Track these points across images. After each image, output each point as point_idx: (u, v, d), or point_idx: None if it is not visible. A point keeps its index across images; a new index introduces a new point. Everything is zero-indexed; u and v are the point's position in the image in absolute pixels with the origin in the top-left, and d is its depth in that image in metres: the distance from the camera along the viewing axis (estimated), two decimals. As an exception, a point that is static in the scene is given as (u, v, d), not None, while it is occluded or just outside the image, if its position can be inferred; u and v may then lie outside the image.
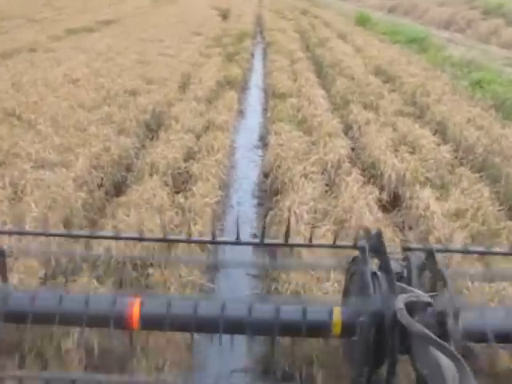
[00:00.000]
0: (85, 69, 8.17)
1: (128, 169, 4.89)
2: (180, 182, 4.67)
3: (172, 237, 2.14)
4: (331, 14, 22.98)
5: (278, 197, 4.40)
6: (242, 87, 8.64)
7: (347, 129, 6.39)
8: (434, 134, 6.34)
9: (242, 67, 9.63)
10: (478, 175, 5.08)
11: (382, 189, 4.85)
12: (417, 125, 6.51)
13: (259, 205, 4.81)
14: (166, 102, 6.76)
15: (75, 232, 2.23)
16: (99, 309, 1.50)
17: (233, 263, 3.21)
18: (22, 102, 6.04)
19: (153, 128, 5.99)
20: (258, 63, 11.24)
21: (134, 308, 1.47)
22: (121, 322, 1.48)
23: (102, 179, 4.43)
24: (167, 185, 4.43)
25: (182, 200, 4.03)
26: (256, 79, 9.56)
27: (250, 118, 7.06)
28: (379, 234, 1.56)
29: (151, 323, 1.51)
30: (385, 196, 4.69)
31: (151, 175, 4.42)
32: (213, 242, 1.90)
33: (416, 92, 8.40)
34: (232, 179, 5.26)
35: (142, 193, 3.95)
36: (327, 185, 4.70)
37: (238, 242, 1.80)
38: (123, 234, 2.06)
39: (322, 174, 4.82)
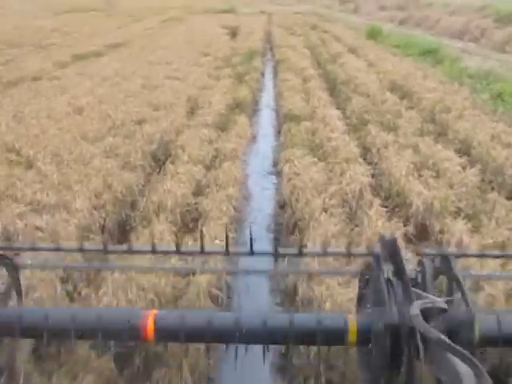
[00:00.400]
0: (90, 96, 7.91)
1: (133, 207, 4.55)
2: (189, 220, 4.33)
3: (185, 249, 2.18)
4: (341, 28, 22.71)
5: (296, 234, 4.04)
6: (253, 110, 8.32)
7: (365, 152, 6.01)
8: (458, 155, 5.95)
9: (252, 88, 9.33)
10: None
11: (407, 220, 4.46)
12: (439, 145, 6.11)
13: (276, 240, 4.42)
14: (173, 129, 6.44)
15: (89, 247, 2.27)
16: (115, 322, 1.54)
17: (248, 271, 3.17)
18: (23, 136, 5.76)
19: (160, 159, 5.67)
20: (268, 83, 10.93)
21: (149, 320, 1.49)
22: (136, 334, 1.50)
23: (105, 220, 4.09)
24: (175, 224, 4.09)
25: (190, 243, 3.67)
26: (267, 100, 9.23)
27: (262, 144, 6.70)
28: (394, 241, 1.53)
29: (166, 335, 1.52)
30: (411, 228, 4.29)
31: (158, 215, 4.08)
32: (227, 254, 1.91)
33: (435, 108, 8.02)
34: (245, 212, 4.90)
35: (147, 237, 3.59)
36: (348, 218, 4.32)
37: (251, 253, 1.83)
38: (136, 248, 2.14)
39: (343, 206, 4.44)
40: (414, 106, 8.39)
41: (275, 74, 11.62)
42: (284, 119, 7.33)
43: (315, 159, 5.37)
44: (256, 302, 3.28)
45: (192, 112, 7.52)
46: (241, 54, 13.60)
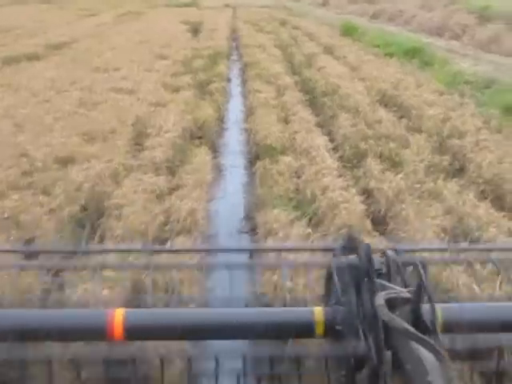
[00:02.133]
0: (5, 120, 6.11)
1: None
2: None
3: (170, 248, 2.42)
4: (312, 23, 21.14)
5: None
6: (217, 137, 6.60)
7: (373, 208, 4.41)
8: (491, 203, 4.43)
9: (217, 103, 7.64)
10: None
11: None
12: (470, 193, 4.57)
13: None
14: (109, 174, 4.73)
15: (81, 248, 2.29)
16: (81, 322, 1.47)
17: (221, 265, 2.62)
18: None
19: (85, 225, 3.96)
20: (236, 95, 9.20)
21: (116, 318, 1.43)
22: (103, 334, 1.42)
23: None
24: None
25: None
26: (235, 122, 7.50)
27: (231, 197, 4.94)
28: (350, 234, 1.60)
29: (136, 333, 1.45)
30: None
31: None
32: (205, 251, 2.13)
33: (442, 131, 6.51)
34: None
35: None
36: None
37: (228, 249, 1.91)
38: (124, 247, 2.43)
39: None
40: (417, 126, 6.85)
41: (244, 81, 9.94)
42: (258, 152, 5.68)
43: (308, 229, 3.74)
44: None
45: (138, 143, 5.80)
46: (204, 55, 11.87)
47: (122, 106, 6.91)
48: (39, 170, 4.75)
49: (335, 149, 5.89)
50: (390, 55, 12.76)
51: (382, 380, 1.31)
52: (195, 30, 17.53)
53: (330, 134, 6.52)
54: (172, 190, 4.50)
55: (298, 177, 4.90)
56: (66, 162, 4.95)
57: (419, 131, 6.65)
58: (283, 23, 21.14)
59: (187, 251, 2.24)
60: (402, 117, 7.27)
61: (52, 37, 14.14)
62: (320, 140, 5.95)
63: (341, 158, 5.57)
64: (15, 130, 5.78)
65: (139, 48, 12.38)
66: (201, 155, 5.30)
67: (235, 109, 8.09)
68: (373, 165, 5.23)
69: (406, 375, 1.25)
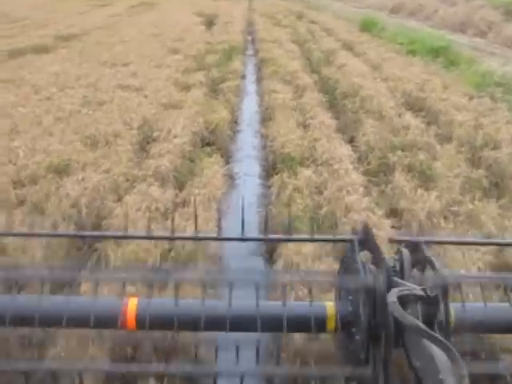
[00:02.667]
0: (1, 122, 5.65)
1: None
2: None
3: (179, 235, 2.17)
4: (329, 17, 20.50)
5: None
6: (230, 143, 6.09)
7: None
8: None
9: (231, 104, 7.13)
10: None
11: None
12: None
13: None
14: (109, 187, 4.25)
15: (85, 232, 2.32)
16: (95, 310, 1.48)
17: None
18: None
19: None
20: (251, 95, 8.67)
21: (130, 307, 1.46)
22: (116, 322, 1.46)
23: None
24: None
25: None
26: (250, 126, 6.97)
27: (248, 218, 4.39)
28: (366, 227, 1.57)
29: (149, 323, 1.47)
30: None
31: None
32: (218, 239, 1.95)
33: (475, 139, 5.96)
34: None
35: None
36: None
37: (242, 239, 1.81)
38: (130, 234, 2.15)
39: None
40: (447, 134, 6.30)
41: (259, 79, 9.40)
42: (274, 161, 5.17)
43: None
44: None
45: (143, 149, 5.32)
46: (218, 50, 11.35)
47: (128, 106, 6.43)
48: (29, 179, 4.28)
49: (359, 160, 5.36)
50: (413, 53, 12.15)
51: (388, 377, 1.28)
52: (209, 23, 16.99)
53: (352, 141, 6.00)
54: (176, 204, 4.01)
55: (319, 192, 4.38)
56: (62, 170, 4.48)
57: (449, 140, 6.10)
58: (300, 17, 20.53)
59: (200, 239, 2.18)
60: (430, 123, 6.71)
61: (62, 28, 13.70)
62: (343, 149, 5.42)
63: (367, 173, 5.04)
64: (9, 130, 5.32)
65: (151, 41, 11.89)
66: (212, 166, 4.79)
67: (250, 111, 7.56)
68: (402, 180, 4.71)
69: (416, 373, 1.22)
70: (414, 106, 7.73)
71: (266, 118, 6.76)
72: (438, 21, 20.37)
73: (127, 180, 4.44)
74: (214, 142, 5.74)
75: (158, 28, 14.21)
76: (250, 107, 7.73)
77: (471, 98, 8.02)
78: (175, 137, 5.45)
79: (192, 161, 4.96)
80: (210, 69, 9.42)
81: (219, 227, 1.86)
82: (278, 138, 5.61)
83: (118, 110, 6.24)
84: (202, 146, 5.63)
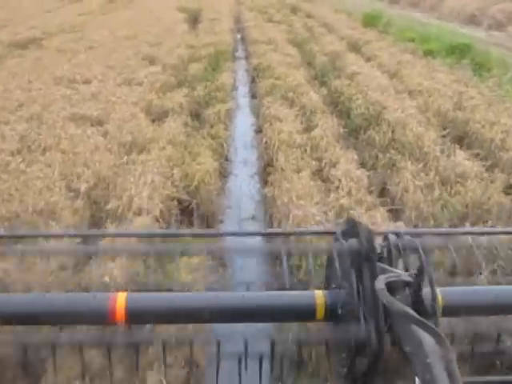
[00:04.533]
0: None
1: None
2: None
3: (179, 231, 2.36)
4: (326, 10, 18.66)
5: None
6: (219, 215, 4.25)
7: None
8: None
9: (219, 142, 5.31)
10: None
11: None
12: None
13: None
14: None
15: (84, 232, 2.47)
16: (83, 305, 1.47)
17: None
18: None
19: None
20: (245, 124, 6.78)
21: (119, 301, 1.44)
22: (104, 317, 1.44)
23: None
24: None
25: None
26: (246, 182, 5.05)
27: None
28: (351, 219, 1.56)
29: (138, 316, 1.47)
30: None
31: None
32: (217, 235, 2.19)
33: None
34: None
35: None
36: None
37: (229, 233, 2.02)
38: (132, 232, 2.31)
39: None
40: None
41: (255, 98, 7.58)
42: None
43: None
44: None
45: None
46: (202, 56, 9.52)
47: (77, 155, 4.61)
48: None
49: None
50: (431, 53, 10.37)
51: (382, 363, 1.33)
52: (194, 20, 15.12)
53: (393, 203, 4.23)
54: None
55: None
56: None
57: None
58: (294, 10, 18.67)
59: (193, 235, 2.11)
60: (491, 166, 4.95)
61: (21, 31, 11.76)
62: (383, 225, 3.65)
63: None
64: None
65: (123, 46, 10.01)
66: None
67: (245, 153, 5.70)
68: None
69: (406, 358, 1.27)
70: (457, 132, 6.00)
71: (267, 166, 4.93)
72: (446, 12, 18.57)
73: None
74: (196, 214, 3.93)
75: (134, 28, 12.31)
76: (244, 147, 5.87)
77: (527, 120, 6.28)
78: (139, 212, 3.65)
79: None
80: (193, 84, 7.61)
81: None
82: (287, 206, 3.81)
83: (63, 162, 4.42)
84: (179, 222, 3.83)
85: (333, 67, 9.15)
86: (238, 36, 14.20)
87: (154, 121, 5.87)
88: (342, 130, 5.84)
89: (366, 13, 15.64)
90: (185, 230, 2.83)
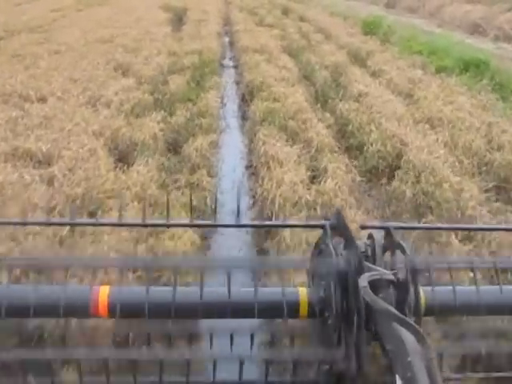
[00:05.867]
0: None
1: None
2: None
3: (174, 221, 2.19)
4: (320, 13, 17.46)
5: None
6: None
7: None
8: None
9: (200, 200, 4.03)
10: None
11: None
12: None
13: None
14: None
15: (78, 220, 2.18)
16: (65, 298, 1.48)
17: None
18: None
19: None
20: (235, 162, 5.45)
21: (101, 295, 1.48)
22: (87, 310, 1.48)
23: None
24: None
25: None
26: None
27: None
28: (339, 212, 1.61)
29: (121, 310, 1.49)
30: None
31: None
32: (212, 225, 2.17)
33: None
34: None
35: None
36: None
37: (228, 225, 2.21)
38: (126, 221, 2.17)
39: None
40: None
41: (245, 122, 6.32)
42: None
43: None
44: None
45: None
46: (186, 66, 8.26)
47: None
48: None
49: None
50: (444, 70, 9.20)
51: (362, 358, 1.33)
52: (178, 20, 13.82)
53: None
54: None
55: None
56: None
57: None
58: (286, 11, 17.43)
59: (184, 226, 2.28)
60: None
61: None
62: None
63: None
64: None
65: (95, 51, 8.68)
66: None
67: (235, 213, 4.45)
68: None
69: (387, 356, 1.26)
70: (498, 181, 4.83)
71: (268, 234, 3.67)
72: (447, 19, 17.44)
73: None
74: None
75: (110, 29, 10.97)
76: (233, 200, 4.60)
77: None
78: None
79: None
80: (173, 103, 6.34)
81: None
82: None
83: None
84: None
85: (336, 84, 7.94)
86: (227, 39, 12.95)
87: (119, 160, 4.59)
88: (357, 177, 4.61)
89: (365, 19, 14.43)
90: (176, 220, 2.65)
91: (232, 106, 7.23)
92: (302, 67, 9.10)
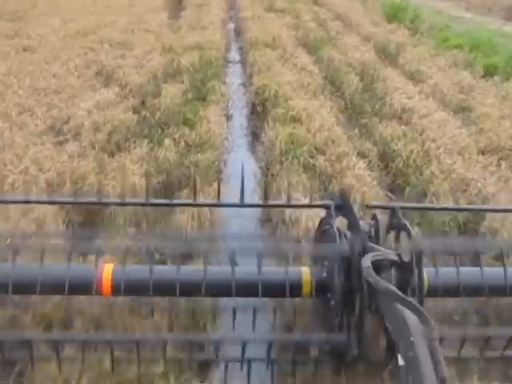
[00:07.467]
0: None
1: None
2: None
3: (177, 201, 2.33)
4: (337, -5, 15.68)
5: None
6: None
7: None
8: None
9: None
10: None
11: None
12: None
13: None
14: None
15: (81, 199, 2.22)
16: (71, 276, 1.52)
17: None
18: None
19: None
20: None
21: (105, 273, 1.49)
22: (92, 288, 1.52)
23: None
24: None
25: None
26: None
27: None
28: (343, 193, 1.67)
29: (124, 288, 1.51)
30: None
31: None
32: (217, 205, 2.12)
33: None
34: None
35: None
36: None
37: (234, 205, 2.02)
38: (129, 200, 2.12)
39: None
40: None
41: (256, 160, 4.79)
42: None
43: None
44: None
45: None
46: (184, 68, 6.74)
47: None
48: None
49: None
50: (495, 71, 7.62)
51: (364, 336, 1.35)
52: (177, 5, 12.19)
53: None
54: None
55: None
56: None
57: None
58: (298, -7, 15.68)
59: (186, 205, 2.28)
60: None
61: None
62: None
63: None
64: None
65: (72, 47, 7.13)
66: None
67: None
68: None
69: (390, 336, 1.25)
70: None
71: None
72: (475, 2, 15.69)
73: None
74: None
75: (96, 15, 9.38)
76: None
77: None
78: None
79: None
80: (165, 125, 4.85)
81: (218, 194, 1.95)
82: None
83: None
84: None
85: (370, 91, 6.41)
86: (232, 26, 11.35)
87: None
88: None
89: (386, 2, 12.74)
90: (180, 200, 2.60)
91: (239, 124, 5.70)
92: (322, 67, 7.53)
